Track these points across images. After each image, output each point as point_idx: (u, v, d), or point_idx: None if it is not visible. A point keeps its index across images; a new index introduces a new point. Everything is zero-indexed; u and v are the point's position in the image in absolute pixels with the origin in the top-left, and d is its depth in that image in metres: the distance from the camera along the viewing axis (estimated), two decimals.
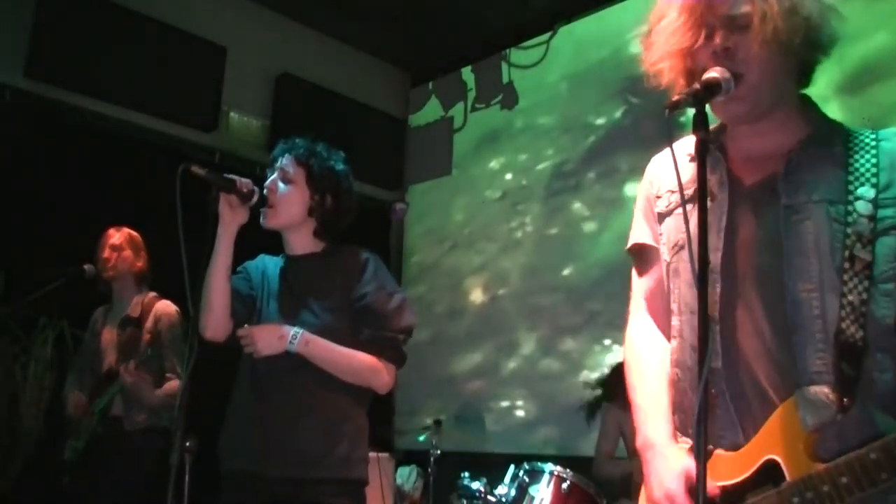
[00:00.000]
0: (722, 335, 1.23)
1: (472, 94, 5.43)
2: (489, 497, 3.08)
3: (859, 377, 1.15)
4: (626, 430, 3.65)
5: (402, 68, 5.84)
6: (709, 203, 1.18)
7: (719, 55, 1.21)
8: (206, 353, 1.79)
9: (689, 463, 1.19)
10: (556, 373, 4.59)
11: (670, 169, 1.20)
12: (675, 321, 1.34)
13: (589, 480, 3.03)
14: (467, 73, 5.47)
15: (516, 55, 5.20)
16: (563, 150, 4.93)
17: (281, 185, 2.08)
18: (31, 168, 3.84)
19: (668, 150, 1.25)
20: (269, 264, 2.18)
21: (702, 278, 1.11)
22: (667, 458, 1.26)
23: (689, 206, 1.23)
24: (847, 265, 1.17)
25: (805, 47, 1.22)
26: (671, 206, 1.35)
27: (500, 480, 3.11)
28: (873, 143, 1.24)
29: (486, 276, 5.18)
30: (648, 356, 1.40)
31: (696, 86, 1.18)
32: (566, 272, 4.73)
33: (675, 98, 1.19)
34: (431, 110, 5.67)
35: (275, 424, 1.96)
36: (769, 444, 1.17)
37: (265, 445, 1.96)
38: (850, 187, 1.20)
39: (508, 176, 5.21)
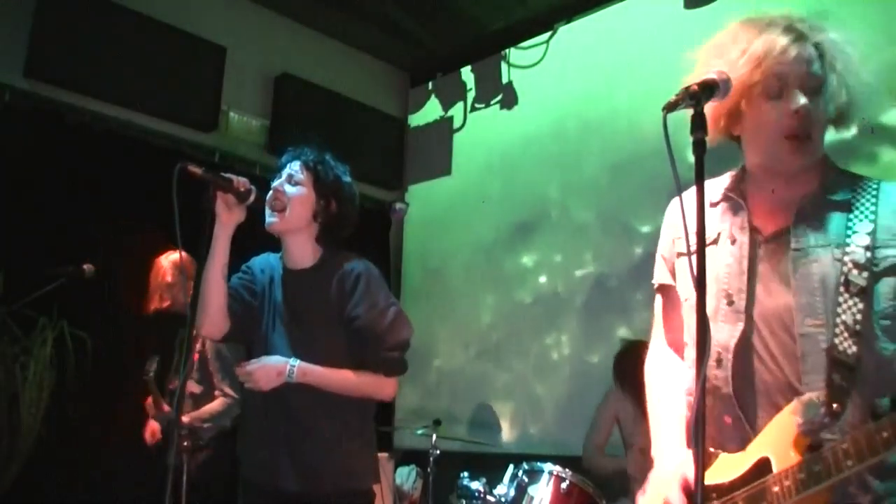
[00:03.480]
0: (736, 367, 1.36)
1: (471, 94, 5.43)
2: (488, 497, 3.08)
3: (850, 389, 1.26)
4: (622, 416, 3.60)
5: (402, 68, 5.84)
6: (730, 246, 1.41)
7: (801, 115, 1.33)
8: None
9: (686, 464, 1.32)
10: None
11: (690, 212, 1.36)
12: (689, 353, 1.49)
13: (588, 480, 3.04)
14: (467, 73, 5.47)
15: (516, 55, 5.20)
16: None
17: (288, 187, 2.11)
18: (30, 168, 3.83)
19: (688, 194, 1.36)
20: (275, 268, 2.19)
21: (700, 281, 1.17)
22: (668, 460, 1.42)
23: (709, 249, 1.39)
24: (842, 289, 1.30)
25: (844, 118, 1.40)
26: (692, 248, 1.45)
27: (500, 480, 3.11)
28: (875, 188, 1.38)
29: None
30: (664, 376, 1.56)
31: (693, 86, 1.19)
32: None
33: (673, 98, 1.21)
34: (431, 110, 5.66)
35: (281, 442, 2.02)
36: (765, 445, 1.29)
37: (273, 461, 2.02)
38: (850, 224, 1.34)
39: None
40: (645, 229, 4.25)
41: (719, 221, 1.45)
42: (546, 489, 2.97)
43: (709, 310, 1.36)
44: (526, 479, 3.02)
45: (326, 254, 2.16)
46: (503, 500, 3.03)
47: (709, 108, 1.31)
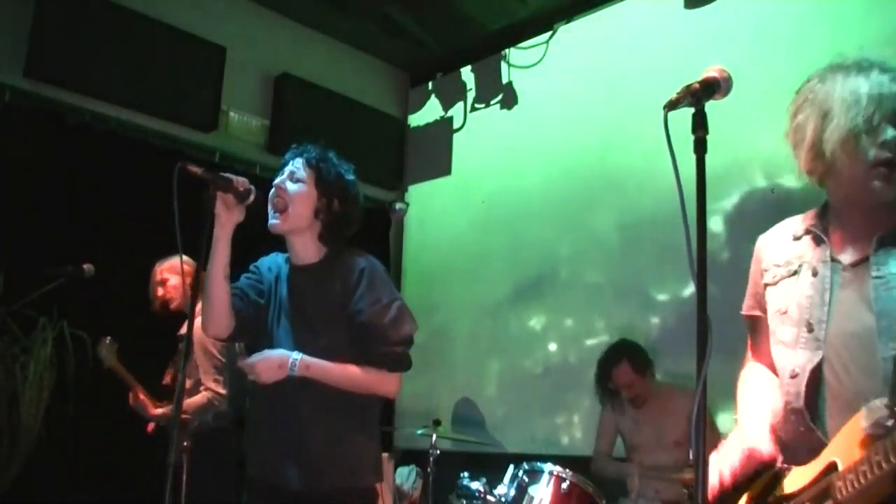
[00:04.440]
0: (812, 385, 1.46)
1: (471, 94, 5.43)
2: (488, 497, 3.08)
3: None
4: (622, 428, 3.67)
5: (402, 68, 5.84)
6: (811, 277, 1.51)
7: (891, 146, 1.40)
8: None
9: (758, 440, 1.48)
10: None
11: (777, 245, 1.60)
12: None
13: (588, 480, 3.04)
14: (467, 73, 5.47)
15: (516, 55, 5.20)
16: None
17: (289, 184, 2.11)
18: (30, 168, 3.83)
19: (775, 229, 1.62)
20: (282, 267, 2.21)
21: (700, 281, 1.16)
22: (749, 429, 1.54)
23: (792, 279, 1.55)
24: None
25: None
26: (777, 278, 1.60)
27: (500, 480, 3.12)
28: None
29: None
30: (754, 381, 1.67)
31: (695, 84, 1.20)
32: None
33: (674, 96, 1.21)
34: (431, 110, 5.66)
35: (286, 439, 2.03)
36: (833, 451, 1.37)
37: (278, 458, 2.02)
38: None
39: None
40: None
41: (802, 253, 1.56)
42: (546, 489, 2.97)
43: (789, 336, 1.52)
44: (526, 479, 3.02)
45: (330, 251, 2.16)
46: (503, 500, 3.03)
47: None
